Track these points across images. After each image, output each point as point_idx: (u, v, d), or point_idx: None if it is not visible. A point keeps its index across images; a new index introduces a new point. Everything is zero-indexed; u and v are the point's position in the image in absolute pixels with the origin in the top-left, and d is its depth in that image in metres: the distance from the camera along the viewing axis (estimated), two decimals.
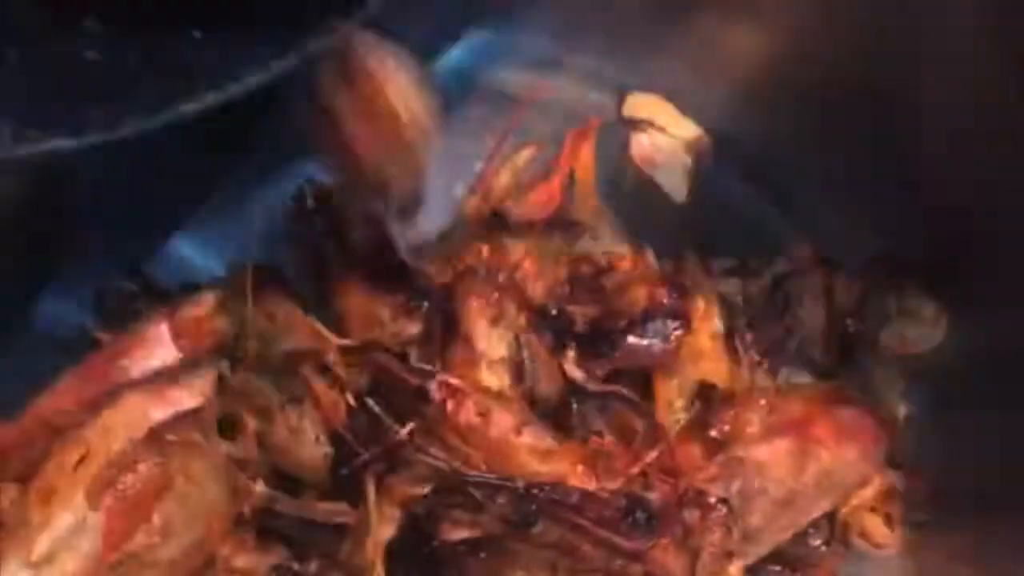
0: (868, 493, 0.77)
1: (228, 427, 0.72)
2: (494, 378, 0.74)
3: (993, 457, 0.77)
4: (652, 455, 0.73)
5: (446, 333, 0.76)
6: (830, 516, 0.77)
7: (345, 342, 0.78)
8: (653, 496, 0.72)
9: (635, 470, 0.72)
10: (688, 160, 0.93)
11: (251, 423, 0.72)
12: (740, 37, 0.89)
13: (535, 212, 0.85)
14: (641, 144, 0.94)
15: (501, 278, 0.79)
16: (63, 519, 0.64)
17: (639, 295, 0.79)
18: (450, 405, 0.72)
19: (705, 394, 0.78)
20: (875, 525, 0.78)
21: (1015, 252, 0.76)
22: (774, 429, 0.76)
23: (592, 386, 0.77)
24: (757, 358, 0.80)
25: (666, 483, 0.73)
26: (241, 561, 0.70)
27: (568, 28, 0.96)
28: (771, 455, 0.75)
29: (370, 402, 0.75)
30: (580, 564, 0.70)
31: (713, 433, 0.75)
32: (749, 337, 0.81)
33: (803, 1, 0.85)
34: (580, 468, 0.71)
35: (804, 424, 0.77)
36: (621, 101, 0.95)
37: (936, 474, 0.78)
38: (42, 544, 0.63)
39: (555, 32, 0.97)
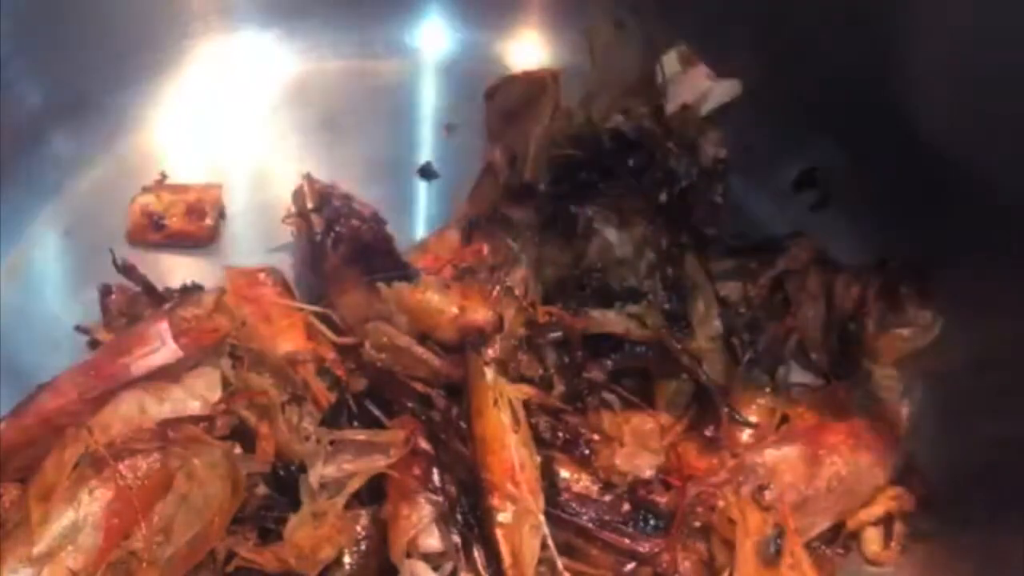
0: (876, 510, 0.77)
1: (242, 437, 0.72)
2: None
3: (991, 456, 0.76)
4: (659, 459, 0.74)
5: None
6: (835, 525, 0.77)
7: (344, 341, 0.78)
8: (662, 500, 0.72)
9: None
10: None
11: (264, 430, 0.72)
12: (741, 37, 0.89)
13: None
14: None
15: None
16: (63, 517, 0.65)
17: None
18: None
19: (704, 395, 0.78)
20: (875, 540, 0.77)
21: (1013, 253, 0.75)
22: (786, 435, 0.77)
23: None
24: (756, 358, 0.80)
25: (675, 486, 0.73)
26: None
27: (569, 25, 0.96)
28: (782, 460, 0.75)
29: (369, 404, 0.75)
30: (590, 566, 0.70)
31: (708, 433, 0.75)
32: (749, 337, 0.80)
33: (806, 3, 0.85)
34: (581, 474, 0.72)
35: (817, 431, 0.77)
36: None
37: (935, 474, 0.78)
38: (42, 541, 0.64)
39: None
